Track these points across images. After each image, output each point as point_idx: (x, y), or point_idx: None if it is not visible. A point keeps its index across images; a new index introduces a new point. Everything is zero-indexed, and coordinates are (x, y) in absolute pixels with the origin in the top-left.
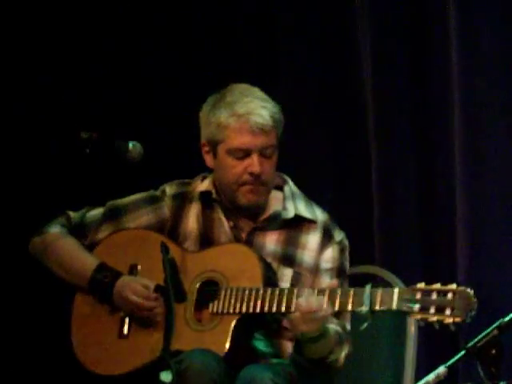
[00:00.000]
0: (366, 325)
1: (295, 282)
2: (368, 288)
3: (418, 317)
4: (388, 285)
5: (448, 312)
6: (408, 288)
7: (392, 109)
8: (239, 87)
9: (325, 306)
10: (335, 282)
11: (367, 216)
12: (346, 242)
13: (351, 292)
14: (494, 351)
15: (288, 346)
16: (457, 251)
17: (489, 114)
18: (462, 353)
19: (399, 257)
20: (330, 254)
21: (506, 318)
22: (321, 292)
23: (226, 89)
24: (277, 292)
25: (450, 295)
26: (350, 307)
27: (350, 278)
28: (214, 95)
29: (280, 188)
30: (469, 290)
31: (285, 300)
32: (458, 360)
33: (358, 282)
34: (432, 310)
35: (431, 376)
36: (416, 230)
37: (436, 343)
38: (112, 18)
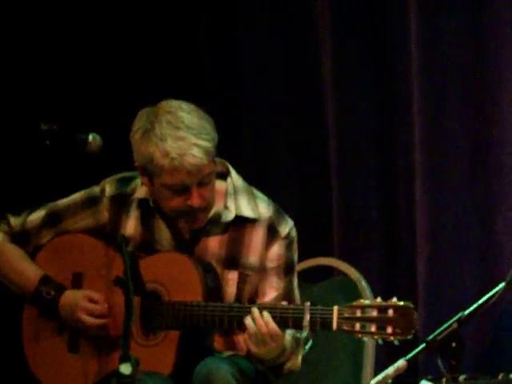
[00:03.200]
0: (309, 346)
1: (241, 284)
2: (307, 306)
3: (359, 336)
4: (346, 277)
5: (390, 330)
6: (347, 306)
7: (352, 109)
8: (167, 113)
9: (270, 325)
10: (279, 300)
11: (326, 208)
12: (294, 233)
13: (291, 309)
14: (454, 344)
15: (241, 340)
16: (416, 241)
17: (448, 114)
18: (422, 346)
19: (358, 249)
20: (275, 252)
21: (466, 312)
22: (264, 308)
23: (153, 113)
24: (218, 308)
25: (390, 312)
26: (290, 324)
27: (309, 271)
28: (143, 118)
29: (223, 176)
30: (410, 305)
31: (227, 316)
32: (417, 353)
33: (316, 274)
34: (373, 329)
35: (391, 369)
36: (375, 222)
37: None
38: (72, 10)
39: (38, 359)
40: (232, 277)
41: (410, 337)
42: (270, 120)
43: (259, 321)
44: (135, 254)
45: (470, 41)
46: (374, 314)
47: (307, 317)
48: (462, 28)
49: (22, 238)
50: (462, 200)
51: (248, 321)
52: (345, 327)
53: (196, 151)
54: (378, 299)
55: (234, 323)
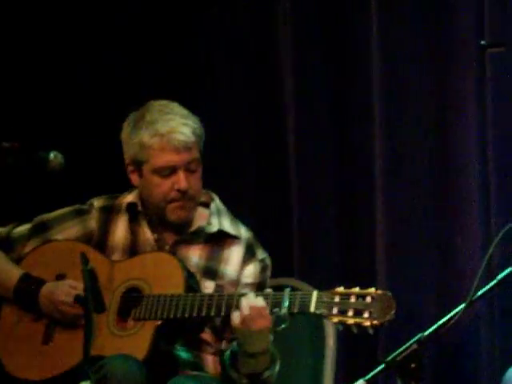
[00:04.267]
0: (283, 326)
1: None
2: (287, 290)
3: (336, 320)
4: None
5: (366, 315)
6: (327, 291)
7: (313, 127)
8: (158, 104)
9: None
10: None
11: (286, 229)
12: (269, 262)
13: (270, 294)
14: (413, 365)
15: (210, 361)
16: (376, 265)
17: (408, 120)
18: (381, 366)
19: (318, 270)
20: (251, 270)
21: (426, 332)
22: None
23: (144, 107)
24: (198, 297)
25: (368, 299)
26: (269, 308)
27: None
28: (134, 114)
29: (206, 205)
30: (388, 293)
31: (206, 305)
32: (377, 374)
33: None
34: (350, 313)
35: None
36: (335, 242)
37: (355, 356)
38: (37, 28)
39: (9, 349)
40: (209, 286)
41: (385, 321)
42: (229, 143)
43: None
44: (94, 271)
45: (430, 64)
46: (353, 299)
47: (286, 299)
48: (422, 49)
49: (7, 246)
50: (422, 222)
51: (243, 302)
52: (322, 310)
53: (184, 129)
54: (357, 288)
55: (211, 311)
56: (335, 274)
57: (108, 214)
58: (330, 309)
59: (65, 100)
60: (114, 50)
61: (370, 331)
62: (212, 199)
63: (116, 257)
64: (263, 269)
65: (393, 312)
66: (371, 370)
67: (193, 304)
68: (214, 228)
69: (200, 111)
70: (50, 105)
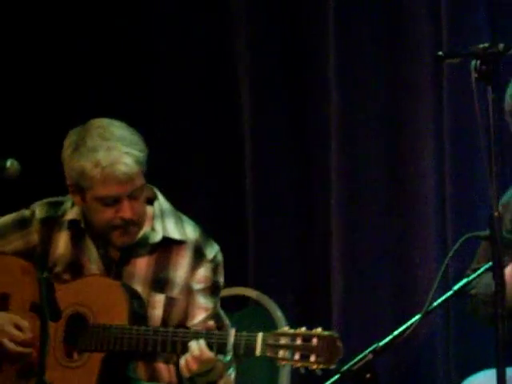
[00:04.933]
0: (232, 370)
1: (168, 307)
2: (232, 331)
3: (283, 363)
4: (261, 307)
5: (313, 359)
6: (272, 333)
7: (270, 138)
8: (98, 126)
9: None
10: (210, 324)
11: (242, 237)
12: (220, 257)
13: (216, 334)
14: (368, 375)
15: (163, 368)
16: (332, 273)
17: (366, 131)
18: (336, 376)
19: (273, 279)
20: (202, 274)
21: (381, 343)
22: (186, 335)
23: (85, 128)
24: (142, 331)
25: (314, 340)
26: (214, 350)
27: (224, 300)
28: (74, 134)
29: (151, 202)
30: (334, 334)
31: (151, 340)
32: (332, 383)
33: (232, 303)
34: (297, 357)
35: None
36: (290, 253)
37: None
38: None
39: None
40: (159, 300)
41: (333, 366)
42: (184, 151)
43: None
44: (50, 280)
45: (386, 77)
46: (299, 342)
47: (231, 342)
48: (379, 61)
49: None
50: (378, 233)
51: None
52: (268, 353)
53: (127, 160)
54: (303, 328)
55: (157, 347)
56: (291, 284)
57: (50, 227)
58: (276, 352)
59: (18, 106)
60: (62, 53)
61: (319, 373)
62: (155, 196)
63: (57, 271)
64: (215, 268)
65: (339, 356)
66: (327, 380)
67: (138, 339)
68: (158, 235)
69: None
70: (3, 112)
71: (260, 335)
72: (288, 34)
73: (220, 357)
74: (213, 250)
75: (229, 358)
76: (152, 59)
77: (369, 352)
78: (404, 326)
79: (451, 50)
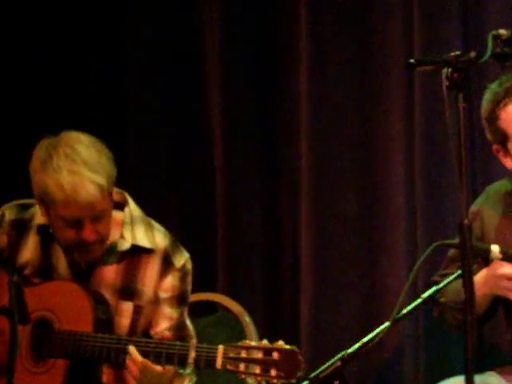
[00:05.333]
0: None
1: (136, 315)
2: (193, 343)
3: (243, 376)
4: (230, 312)
5: (273, 373)
6: (233, 346)
7: (239, 139)
8: (66, 146)
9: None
10: (166, 334)
11: (211, 243)
12: (189, 266)
13: (177, 346)
14: (336, 382)
15: (130, 378)
16: (301, 280)
17: (337, 137)
18: (305, 383)
19: (242, 285)
20: (169, 283)
21: (350, 350)
22: (142, 349)
23: (53, 143)
24: (106, 340)
25: (275, 354)
26: (175, 361)
27: (193, 305)
28: (43, 148)
29: (121, 207)
30: (295, 349)
31: (114, 349)
32: None
33: (201, 308)
34: (257, 371)
35: None
36: (259, 259)
37: None
38: None
39: None
40: (127, 308)
41: (293, 381)
42: (152, 158)
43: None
44: (20, 283)
45: (358, 82)
46: (260, 355)
47: (192, 354)
48: (351, 67)
49: None
50: (347, 240)
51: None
52: (229, 367)
53: (90, 188)
54: (264, 341)
55: (120, 356)
56: (259, 290)
57: (19, 230)
58: (237, 365)
59: None
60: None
61: None
62: (126, 202)
63: (27, 274)
64: (183, 277)
65: (300, 371)
66: None
67: (101, 347)
68: (127, 243)
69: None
70: None
71: (221, 348)
72: (259, 34)
73: (180, 369)
74: (182, 259)
75: (189, 370)
76: (122, 59)
77: (337, 359)
78: (373, 334)
79: (423, 58)
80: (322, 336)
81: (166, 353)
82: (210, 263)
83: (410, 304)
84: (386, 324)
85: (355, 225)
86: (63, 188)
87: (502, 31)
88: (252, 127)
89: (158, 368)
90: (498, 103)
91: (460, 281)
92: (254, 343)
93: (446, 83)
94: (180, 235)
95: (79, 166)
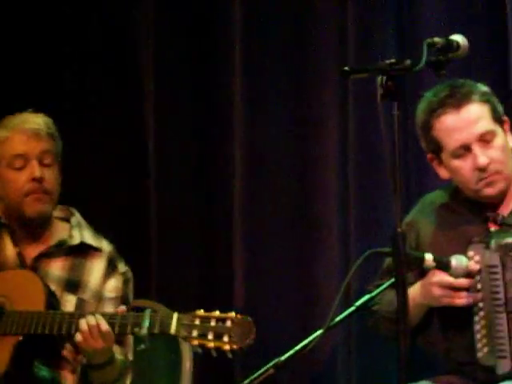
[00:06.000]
0: (143, 346)
1: (79, 308)
2: (148, 311)
3: (196, 342)
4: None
5: (226, 339)
6: (187, 314)
7: (173, 144)
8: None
9: (105, 325)
10: (122, 308)
11: (145, 251)
12: (130, 275)
13: (131, 315)
14: None
15: (69, 379)
16: (235, 289)
17: (271, 145)
18: None
19: (175, 292)
20: (113, 284)
21: (283, 357)
22: (100, 314)
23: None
24: (58, 315)
25: (228, 322)
26: (129, 329)
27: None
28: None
29: (67, 220)
30: (248, 318)
31: (66, 322)
32: None
33: None
34: (210, 337)
35: None
36: (193, 266)
37: (212, 380)
38: None
39: None
40: (70, 300)
41: (245, 346)
42: (84, 162)
43: (92, 319)
44: None
45: (292, 90)
46: (213, 323)
47: (147, 320)
48: (285, 74)
49: None
50: (281, 249)
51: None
52: (182, 332)
53: (37, 120)
54: (217, 312)
55: (72, 328)
56: (193, 297)
57: None
58: (190, 331)
59: None
60: None
61: (229, 355)
62: (72, 214)
63: None
64: (125, 282)
65: (252, 337)
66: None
67: (53, 321)
68: (76, 240)
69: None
70: None
71: (175, 315)
72: (193, 45)
73: (136, 330)
74: (124, 267)
75: (144, 332)
76: (57, 60)
77: (270, 366)
78: (306, 341)
79: (357, 66)
80: (256, 343)
81: (121, 322)
82: (144, 270)
83: (343, 312)
84: (319, 332)
85: (289, 232)
86: (10, 126)
87: (437, 39)
88: (186, 133)
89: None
90: (432, 113)
91: (394, 290)
92: (207, 313)
93: (380, 91)
94: (113, 241)
95: (27, 115)
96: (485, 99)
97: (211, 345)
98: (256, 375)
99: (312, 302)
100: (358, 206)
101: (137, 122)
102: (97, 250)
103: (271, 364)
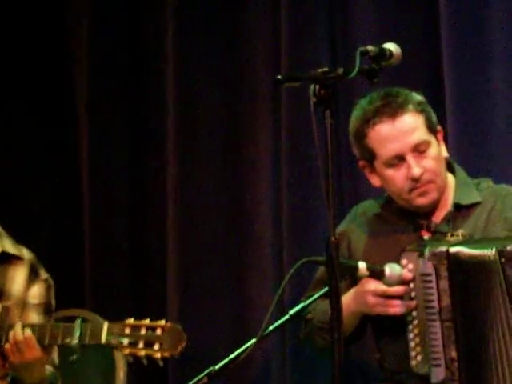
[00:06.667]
0: (75, 357)
1: (4, 316)
2: (78, 321)
3: (127, 351)
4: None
5: (156, 347)
6: (118, 323)
7: (106, 157)
8: None
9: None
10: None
11: (78, 260)
12: (51, 282)
13: (61, 325)
14: None
15: None
16: (168, 294)
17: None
18: None
19: (109, 301)
20: (37, 291)
21: (217, 366)
22: (30, 326)
23: None
24: None
25: (159, 331)
26: (60, 340)
27: (61, 321)
28: None
29: None
30: (177, 326)
31: None
32: None
33: None
34: (141, 345)
35: None
36: (126, 275)
37: None
38: None
39: None
40: None
41: (176, 354)
42: (16, 170)
43: (19, 333)
44: None
45: (224, 98)
46: (143, 331)
47: (77, 330)
48: (218, 81)
49: None
50: (214, 256)
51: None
52: (113, 342)
53: None
54: (147, 320)
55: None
56: (127, 307)
57: None
58: (121, 340)
59: None
60: None
61: (160, 363)
62: None
63: None
64: (48, 288)
65: (183, 344)
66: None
67: None
68: None
69: None
70: None
71: (106, 324)
72: (125, 57)
73: (67, 341)
74: (45, 273)
75: (75, 342)
76: None
77: (204, 375)
78: (240, 350)
79: (290, 74)
80: (189, 353)
81: (51, 332)
82: (77, 280)
83: (277, 320)
84: (253, 341)
85: (222, 240)
86: None
87: (370, 48)
88: (120, 142)
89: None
90: (367, 121)
91: (328, 301)
92: (137, 322)
93: (313, 99)
94: (48, 251)
95: None
96: (420, 109)
97: (142, 353)
98: None
99: (246, 312)
100: (291, 216)
101: (68, 124)
102: (18, 258)
103: (205, 373)
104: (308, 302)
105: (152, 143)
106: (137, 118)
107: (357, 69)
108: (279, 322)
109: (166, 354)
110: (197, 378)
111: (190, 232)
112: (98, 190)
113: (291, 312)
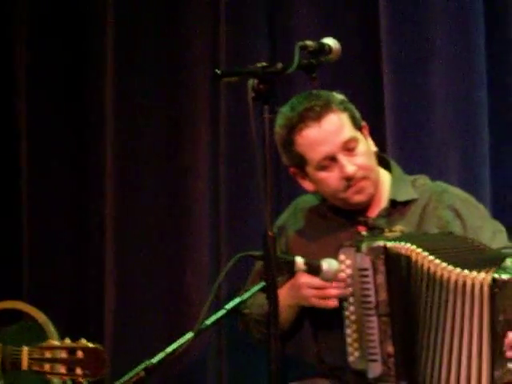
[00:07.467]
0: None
1: None
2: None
3: (49, 377)
4: (33, 321)
5: (79, 371)
6: (37, 347)
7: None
8: None
9: None
10: None
11: (17, 251)
12: None
13: None
14: None
15: None
16: (106, 293)
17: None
18: None
19: (48, 293)
20: None
21: (154, 360)
22: None
23: None
24: None
25: (80, 353)
26: None
27: None
28: None
29: None
30: (99, 347)
31: None
32: None
33: (6, 317)
34: (63, 370)
35: None
36: (66, 268)
37: None
38: None
39: None
40: None
41: (99, 377)
42: None
43: None
44: None
45: (163, 94)
46: (64, 355)
47: None
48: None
49: None
50: (151, 252)
51: None
52: (35, 367)
53: None
54: (68, 340)
55: None
56: (64, 299)
57: None
58: (42, 366)
59: None
60: None
61: None
62: None
63: None
64: None
65: (106, 366)
66: None
67: None
68: None
69: None
70: None
71: (25, 350)
72: (66, 47)
73: None
74: None
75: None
76: None
77: (141, 369)
78: (176, 344)
79: (229, 69)
80: (126, 347)
81: None
82: (15, 271)
83: (213, 314)
84: (190, 334)
85: (158, 236)
86: None
87: (309, 42)
88: (59, 135)
89: None
90: (292, 128)
91: (265, 295)
92: (57, 343)
93: (251, 94)
94: None
95: None
96: (343, 107)
97: (65, 378)
98: (126, 378)
99: (183, 306)
100: (228, 210)
101: (8, 120)
102: None
103: (141, 367)
104: (244, 296)
105: (92, 133)
106: (77, 108)
107: (295, 64)
108: (216, 316)
109: (90, 379)
110: (134, 372)
111: (128, 227)
112: (37, 183)
113: (228, 306)
